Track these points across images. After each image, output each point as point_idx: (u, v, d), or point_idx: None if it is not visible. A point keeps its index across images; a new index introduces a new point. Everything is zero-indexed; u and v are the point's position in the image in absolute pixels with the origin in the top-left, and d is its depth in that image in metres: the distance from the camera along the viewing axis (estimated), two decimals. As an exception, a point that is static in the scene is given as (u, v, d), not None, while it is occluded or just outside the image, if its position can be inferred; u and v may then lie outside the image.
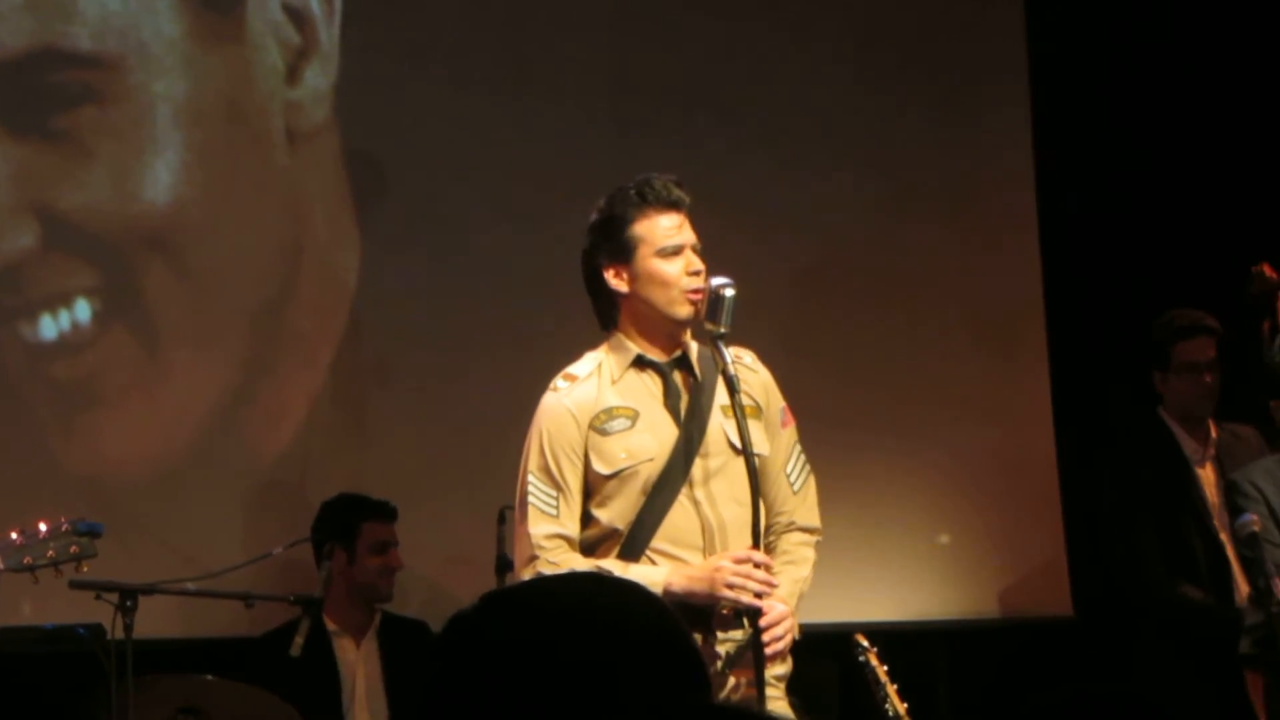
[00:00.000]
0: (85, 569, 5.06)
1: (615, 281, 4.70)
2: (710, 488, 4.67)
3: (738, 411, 4.63)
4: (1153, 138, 7.94)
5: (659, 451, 4.66)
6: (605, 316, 4.76)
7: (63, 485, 6.59)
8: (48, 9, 6.78)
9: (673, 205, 4.71)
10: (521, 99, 7.31)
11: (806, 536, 4.82)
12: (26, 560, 4.97)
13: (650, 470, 4.65)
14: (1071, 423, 7.77)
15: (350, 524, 6.51)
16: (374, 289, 7.13)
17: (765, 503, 4.69)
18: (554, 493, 4.65)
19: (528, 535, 4.65)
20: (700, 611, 4.56)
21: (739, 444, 4.63)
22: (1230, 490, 5.84)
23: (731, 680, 4.64)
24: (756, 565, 4.58)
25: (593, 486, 4.68)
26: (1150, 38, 7.96)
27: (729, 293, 4.63)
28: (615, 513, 4.66)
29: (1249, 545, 5.49)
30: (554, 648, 1.99)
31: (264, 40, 7.05)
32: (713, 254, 4.75)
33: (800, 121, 7.65)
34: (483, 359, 7.10)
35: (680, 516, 4.65)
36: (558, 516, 4.64)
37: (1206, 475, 6.71)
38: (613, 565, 4.59)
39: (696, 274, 4.68)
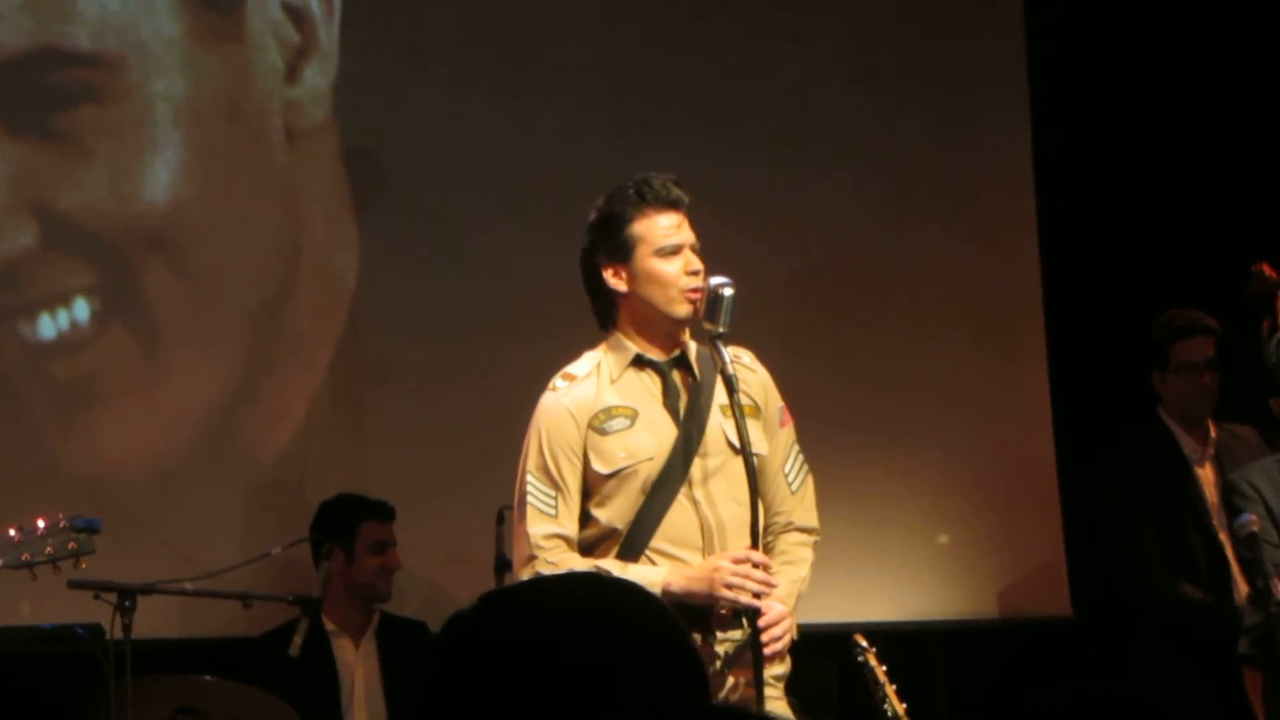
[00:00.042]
0: (83, 565, 5.04)
1: (614, 281, 4.70)
2: (709, 487, 4.66)
3: (736, 411, 4.63)
4: (1153, 138, 7.94)
5: (658, 451, 4.65)
6: (604, 316, 4.76)
7: (62, 485, 6.58)
8: (47, 9, 6.78)
9: (672, 204, 4.70)
10: (521, 99, 7.31)
11: (805, 536, 4.82)
12: (25, 557, 4.96)
13: (649, 470, 4.64)
14: (1071, 423, 7.77)
15: (349, 524, 6.50)
16: (373, 289, 7.12)
17: (764, 502, 4.69)
18: (553, 493, 4.64)
19: (526, 535, 4.64)
20: (699, 611, 4.56)
21: (738, 444, 4.63)
22: (1228, 491, 5.84)
23: (730, 680, 4.64)
24: (755, 565, 4.58)
25: (592, 486, 4.67)
26: (1150, 38, 7.96)
27: (728, 292, 4.63)
28: (614, 512, 4.65)
29: (1248, 545, 5.49)
30: (552, 648, 1.99)
31: (263, 39, 7.05)
32: (712, 254, 4.75)
33: (800, 121, 7.64)
34: (482, 359, 7.09)
35: (679, 516, 4.65)
36: (556, 516, 4.64)
37: (1206, 475, 6.71)
38: (611, 565, 4.59)
39: (695, 273, 4.67)
